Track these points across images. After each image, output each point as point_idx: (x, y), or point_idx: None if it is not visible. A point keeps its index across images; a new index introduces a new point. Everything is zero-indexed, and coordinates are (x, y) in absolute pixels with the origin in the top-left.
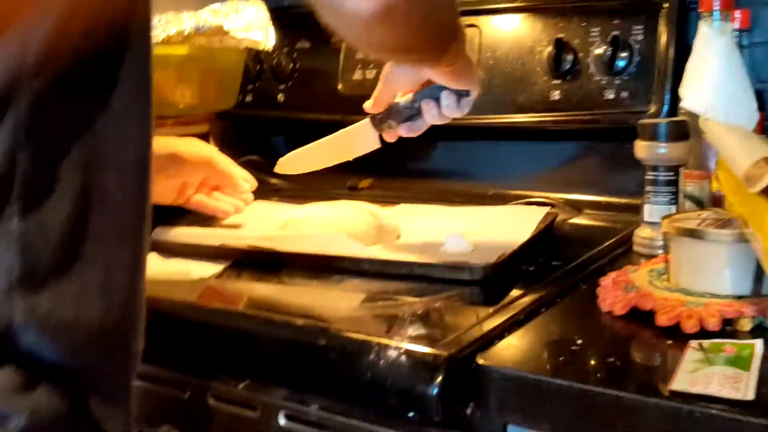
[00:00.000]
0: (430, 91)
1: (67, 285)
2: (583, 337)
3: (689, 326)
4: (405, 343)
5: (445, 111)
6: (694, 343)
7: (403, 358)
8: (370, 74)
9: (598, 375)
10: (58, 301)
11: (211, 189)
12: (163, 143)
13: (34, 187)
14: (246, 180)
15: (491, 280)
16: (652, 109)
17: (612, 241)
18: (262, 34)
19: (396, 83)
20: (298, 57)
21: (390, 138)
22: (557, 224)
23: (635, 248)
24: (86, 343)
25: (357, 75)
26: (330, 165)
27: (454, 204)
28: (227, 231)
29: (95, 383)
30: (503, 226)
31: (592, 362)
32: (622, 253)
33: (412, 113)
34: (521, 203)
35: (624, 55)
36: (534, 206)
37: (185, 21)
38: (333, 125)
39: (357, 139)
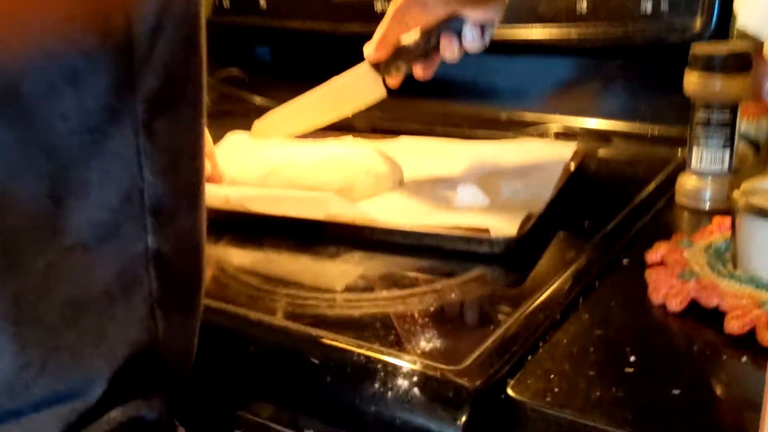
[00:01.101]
0: (449, 24)
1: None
2: (636, 351)
3: None
4: (418, 367)
5: (468, 45)
6: None
7: (416, 390)
8: None
9: (668, 419)
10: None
11: None
12: None
13: (162, 197)
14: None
15: (515, 252)
16: (698, 25)
17: (651, 189)
18: None
19: (412, 18)
20: None
21: (395, 83)
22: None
23: (679, 199)
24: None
25: None
26: (322, 125)
27: (462, 130)
28: None
29: None
30: (523, 171)
31: (656, 396)
32: (665, 206)
33: (426, 51)
34: (540, 135)
35: None
36: (557, 142)
37: None
38: (322, 36)
39: (356, 89)
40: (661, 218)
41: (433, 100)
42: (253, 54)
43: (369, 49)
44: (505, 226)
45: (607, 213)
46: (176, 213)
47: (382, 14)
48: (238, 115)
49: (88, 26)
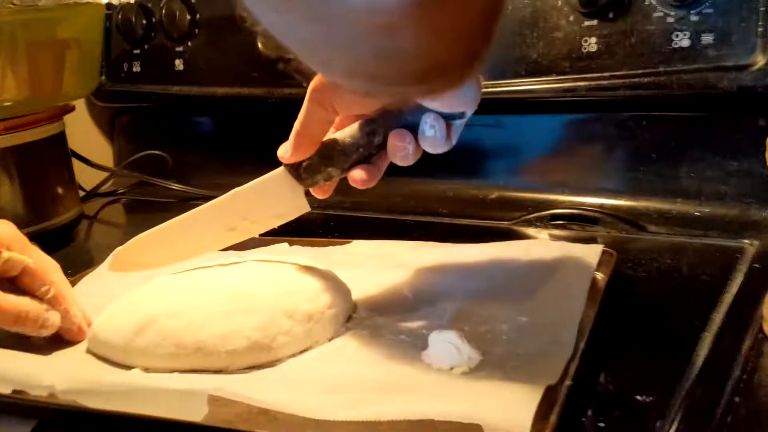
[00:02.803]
0: (403, 116)
1: None
2: None
3: None
4: None
5: (428, 144)
6: None
7: None
8: None
9: None
10: None
11: None
12: None
13: None
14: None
15: None
16: (759, 61)
17: (722, 314)
18: None
19: (343, 104)
20: (199, 4)
21: (323, 193)
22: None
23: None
24: None
25: None
26: (218, 248)
27: (437, 219)
28: (25, 359)
29: None
30: (529, 295)
31: None
32: (754, 347)
33: (367, 153)
34: (544, 223)
35: None
36: (574, 243)
37: None
38: (253, 101)
39: (265, 202)
40: (750, 371)
41: (402, 176)
42: (177, 132)
43: (283, 152)
44: (510, 417)
45: (665, 371)
46: None
47: None
48: (156, 209)
49: None
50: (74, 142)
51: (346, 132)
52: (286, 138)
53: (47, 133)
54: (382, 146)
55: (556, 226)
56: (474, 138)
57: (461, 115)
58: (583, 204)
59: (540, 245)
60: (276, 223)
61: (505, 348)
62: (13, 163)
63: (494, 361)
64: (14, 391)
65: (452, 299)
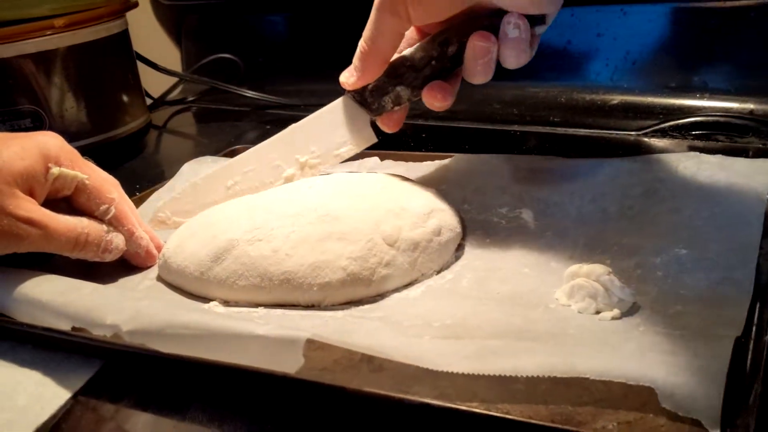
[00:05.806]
0: (478, 22)
1: None
2: None
3: None
4: None
5: (510, 48)
6: None
7: None
8: None
9: None
10: None
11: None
12: None
13: None
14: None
15: None
16: None
17: None
18: None
19: (419, 11)
20: None
21: (391, 125)
22: None
23: None
24: None
25: None
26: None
27: (552, 131)
28: (87, 291)
29: None
30: (682, 221)
31: None
32: None
33: (440, 66)
34: (684, 136)
35: None
36: (736, 158)
37: None
38: None
39: (328, 135)
40: None
41: (502, 80)
42: (250, 33)
43: (347, 78)
44: (691, 381)
45: None
46: None
47: None
48: (228, 118)
49: None
50: (139, 46)
51: (415, 47)
52: None
53: (109, 31)
54: (456, 60)
55: (698, 137)
56: (589, 30)
57: (542, 20)
58: (729, 110)
59: (692, 159)
60: (340, 159)
61: (662, 287)
62: (73, 65)
63: (651, 304)
64: (74, 329)
65: (583, 224)
